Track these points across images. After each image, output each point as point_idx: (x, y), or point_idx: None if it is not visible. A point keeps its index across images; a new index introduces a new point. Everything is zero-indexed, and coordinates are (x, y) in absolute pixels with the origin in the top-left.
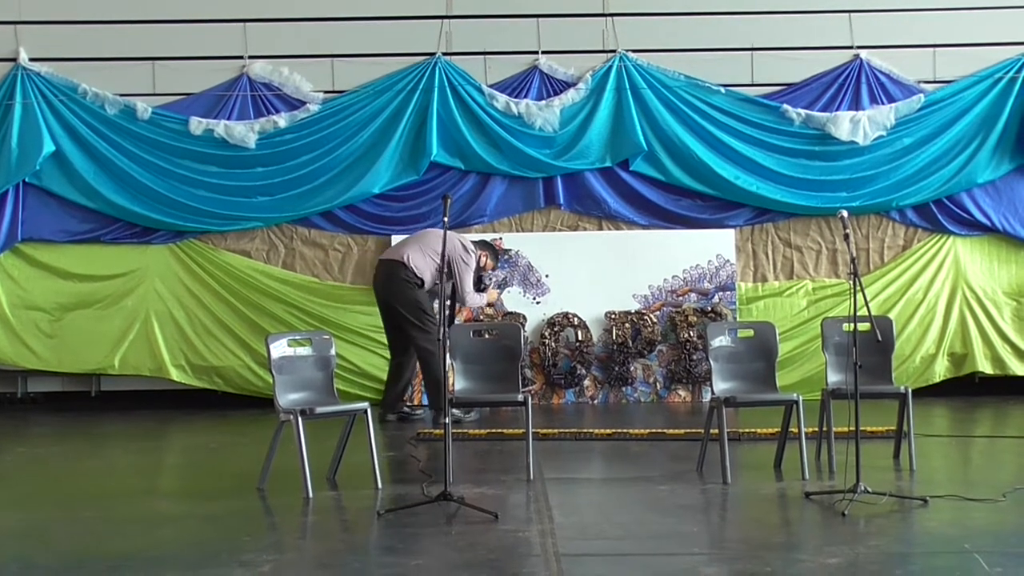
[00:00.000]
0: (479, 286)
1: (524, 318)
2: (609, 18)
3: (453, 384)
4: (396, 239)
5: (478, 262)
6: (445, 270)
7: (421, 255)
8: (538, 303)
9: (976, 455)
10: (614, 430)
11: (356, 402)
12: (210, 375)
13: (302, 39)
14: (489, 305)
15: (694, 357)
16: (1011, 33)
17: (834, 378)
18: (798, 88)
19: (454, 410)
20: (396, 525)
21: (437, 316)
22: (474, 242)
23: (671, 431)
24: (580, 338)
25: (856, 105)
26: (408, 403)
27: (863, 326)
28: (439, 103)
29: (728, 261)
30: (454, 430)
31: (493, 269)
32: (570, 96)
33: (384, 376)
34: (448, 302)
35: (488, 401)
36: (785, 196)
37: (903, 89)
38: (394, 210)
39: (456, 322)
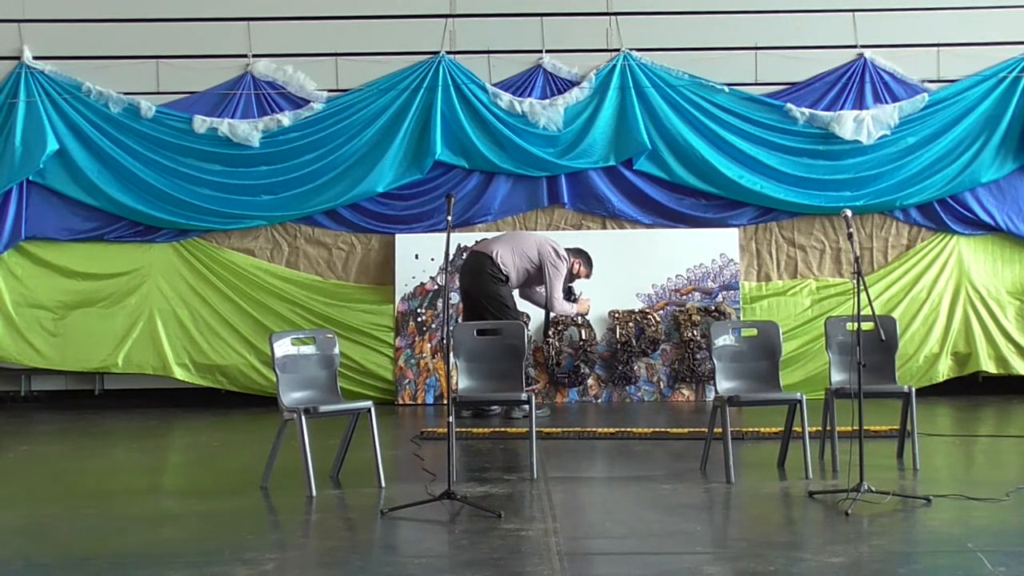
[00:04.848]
0: (569, 296)
1: (528, 317)
2: (613, 17)
3: (456, 383)
4: (400, 238)
5: (571, 270)
6: (535, 273)
7: (511, 254)
8: None
9: (979, 454)
10: (617, 429)
11: (359, 400)
12: (214, 373)
13: (306, 37)
14: (581, 315)
15: (698, 356)
16: (1015, 33)
17: (838, 377)
18: (802, 87)
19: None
20: (399, 524)
21: (518, 315)
22: (568, 250)
23: (674, 430)
24: (584, 337)
25: (860, 104)
26: None
27: (867, 325)
28: (443, 102)
29: (732, 260)
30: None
31: (587, 277)
32: (574, 95)
33: (388, 375)
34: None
35: (492, 400)
36: (789, 195)
37: (907, 88)
38: (398, 209)
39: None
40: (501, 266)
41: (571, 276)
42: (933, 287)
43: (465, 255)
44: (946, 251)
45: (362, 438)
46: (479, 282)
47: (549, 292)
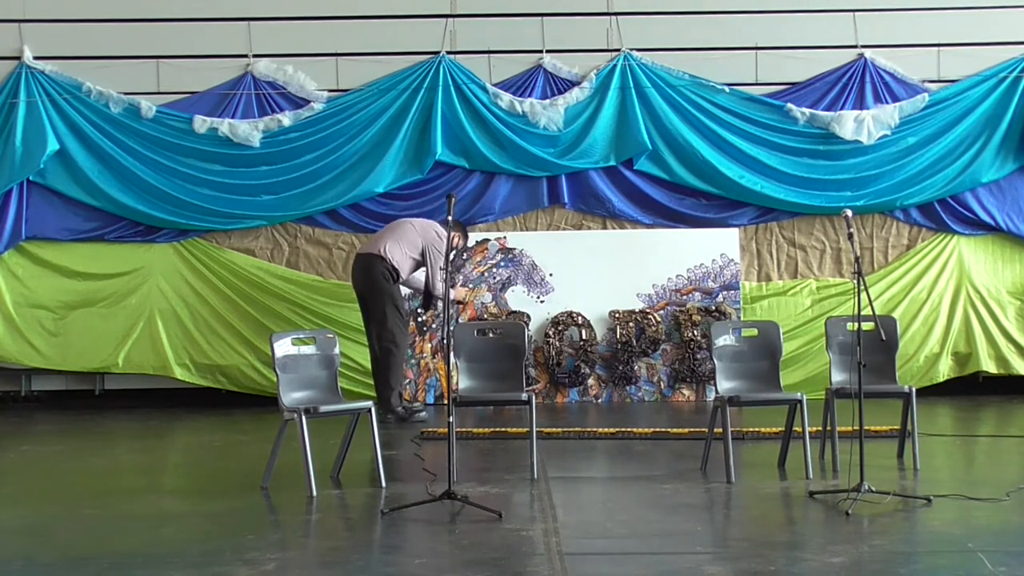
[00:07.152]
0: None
1: (528, 317)
2: (613, 17)
3: (457, 383)
4: None
5: (450, 243)
6: (422, 259)
7: (398, 248)
8: (542, 302)
9: (980, 454)
10: (618, 429)
11: (360, 400)
12: (214, 373)
13: (306, 37)
14: (458, 303)
15: (698, 356)
16: (1015, 33)
17: (838, 377)
18: (802, 87)
19: (402, 407)
20: (400, 524)
21: (406, 316)
22: (442, 222)
23: (675, 430)
24: (584, 337)
25: (860, 104)
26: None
27: (867, 325)
28: (443, 102)
29: (732, 260)
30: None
31: (464, 248)
32: (574, 95)
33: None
34: (422, 289)
35: (492, 400)
36: (789, 195)
37: (907, 88)
38: (398, 209)
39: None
40: (392, 263)
41: (449, 251)
42: (933, 287)
43: (355, 257)
44: (946, 251)
45: (362, 438)
46: (370, 282)
47: (432, 274)
